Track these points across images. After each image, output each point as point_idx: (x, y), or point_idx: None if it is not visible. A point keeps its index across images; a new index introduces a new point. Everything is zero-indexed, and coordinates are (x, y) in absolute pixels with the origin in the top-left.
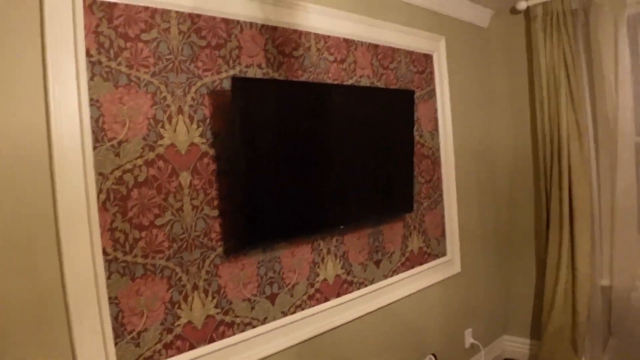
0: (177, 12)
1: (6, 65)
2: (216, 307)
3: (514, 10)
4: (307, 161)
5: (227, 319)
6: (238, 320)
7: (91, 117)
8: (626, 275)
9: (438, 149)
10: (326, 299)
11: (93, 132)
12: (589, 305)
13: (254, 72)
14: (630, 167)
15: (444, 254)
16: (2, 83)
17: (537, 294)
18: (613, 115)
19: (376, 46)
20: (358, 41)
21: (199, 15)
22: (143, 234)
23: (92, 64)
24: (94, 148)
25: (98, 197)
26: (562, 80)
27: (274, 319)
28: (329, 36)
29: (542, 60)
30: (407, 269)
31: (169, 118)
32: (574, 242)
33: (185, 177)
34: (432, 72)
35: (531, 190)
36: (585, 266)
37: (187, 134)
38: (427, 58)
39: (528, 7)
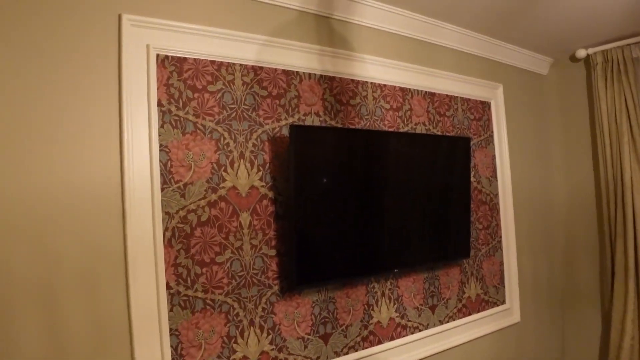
0: (241, 64)
1: (88, 115)
2: (271, 343)
3: (573, 58)
4: (362, 205)
5: (281, 356)
6: (291, 357)
7: (160, 161)
8: None
9: (496, 195)
10: (379, 342)
11: (161, 174)
12: None
13: (311, 120)
14: None
15: (502, 302)
16: (83, 130)
17: (602, 350)
18: None
19: (432, 94)
20: (414, 89)
21: (261, 68)
22: (204, 270)
23: (163, 113)
24: (162, 189)
25: (164, 235)
26: (624, 128)
27: (327, 358)
28: (385, 85)
29: (603, 108)
30: (464, 316)
31: (231, 162)
32: None
33: (245, 218)
34: (489, 119)
35: (595, 240)
36: None
37: (248, 177)
38: (484, 105)
39: (588, 55)
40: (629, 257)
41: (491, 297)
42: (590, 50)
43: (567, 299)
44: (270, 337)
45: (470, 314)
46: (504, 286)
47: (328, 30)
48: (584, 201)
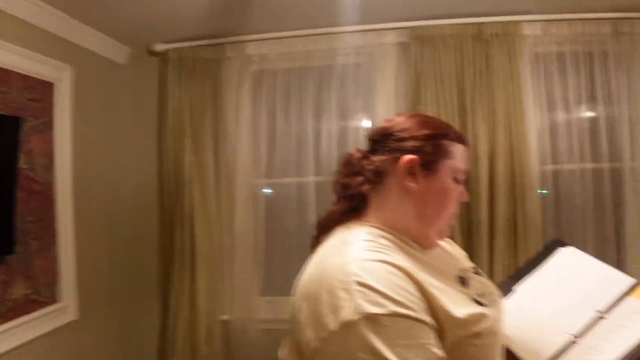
0: None
1: None
2: None
3: (151, 52)
4: None
5: None
6: None
7: None
8: (243, 308)
9: (53, 185)
10: None
11: None
12: (209, 340)
13: None
14: (247, 207)
15: (57, 301)
16: None
17: (161, 337)
18: (232, 159)
19: None
20: None
21: None
22: None
23: None
24: None
25: None
26: (186, 123)
27: None
28: None
29: (170, 104)
30: (8, 320)
31: None
32: (195, 280)
33: None
34: (51, 102)
35: (157, 230)
36: (205, 302)
37: None
38: (48, 86)
39: (166, 50)
40: (185, 246)
41: (44, 297)
42: (168, 46)
43: (130, 291)
44: None
45: (16, 317)
46: (59, 283)
47: None
48: (150, 194)
